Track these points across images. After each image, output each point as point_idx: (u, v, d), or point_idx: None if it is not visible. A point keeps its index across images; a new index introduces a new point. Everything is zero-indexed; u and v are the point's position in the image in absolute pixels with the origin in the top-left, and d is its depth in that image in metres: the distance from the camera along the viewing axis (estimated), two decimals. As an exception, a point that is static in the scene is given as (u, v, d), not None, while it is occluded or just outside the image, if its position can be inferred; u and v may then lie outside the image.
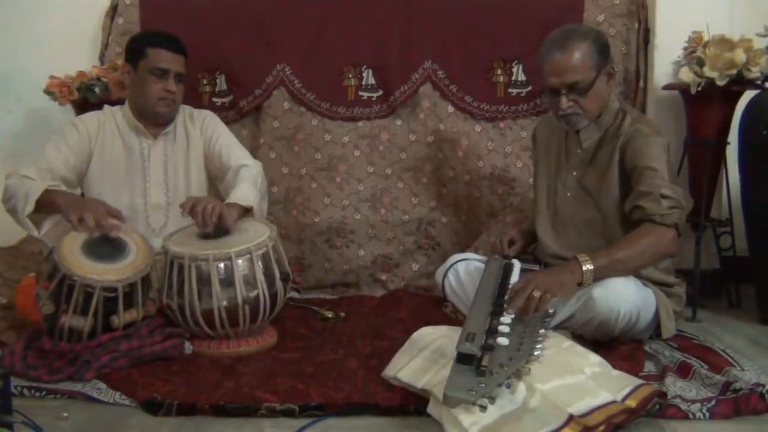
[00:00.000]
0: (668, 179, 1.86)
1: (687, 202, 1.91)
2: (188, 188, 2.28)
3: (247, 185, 2.14)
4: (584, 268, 1.76)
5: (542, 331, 1.63)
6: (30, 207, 1.95)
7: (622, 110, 1.99)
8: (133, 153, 2.26)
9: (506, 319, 1.63)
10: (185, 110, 2.36)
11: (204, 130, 2.33)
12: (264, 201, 2.23)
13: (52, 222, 2.03)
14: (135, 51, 2.21)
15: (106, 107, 2.33)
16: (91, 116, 2.28)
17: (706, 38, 2.38)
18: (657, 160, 1.87)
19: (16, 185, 2.02)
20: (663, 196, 1.82)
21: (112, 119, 2.28)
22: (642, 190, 1.85)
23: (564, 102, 1.92)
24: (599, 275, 1.78)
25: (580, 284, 1.77)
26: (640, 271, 1.92)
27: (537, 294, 1.66)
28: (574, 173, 2.05)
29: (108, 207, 2.00)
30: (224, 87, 2.76)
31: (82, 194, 2.26)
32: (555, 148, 2.12)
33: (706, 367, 1.77)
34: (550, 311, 1.73)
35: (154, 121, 2.26)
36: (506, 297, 1.73)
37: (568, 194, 2.06)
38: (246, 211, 2.09)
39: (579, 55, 1.89)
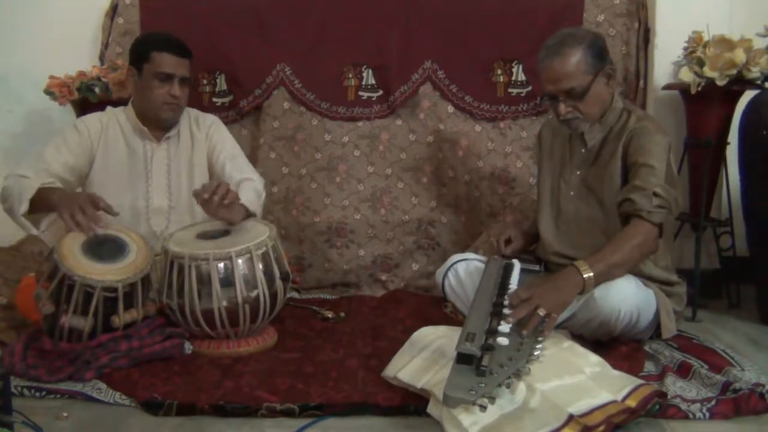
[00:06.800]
0: (665, 179, 1.86)
1: (677, 206, 1.90)
2: (191, 192, 2.27)
3: (252, 195, 2.14)
4: (585, 276, 1.73)
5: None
6: (24, 206, 1.93)
7: (626, 109, 2.00)
8: (136, 155, 2.24)
9: (504, 327, 1.61)
10: (190, 113, 2.33)
11: (209, 137, 2.32)
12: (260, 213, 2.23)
13: (50, 219, 2.01)
14: (139, 55, 2.18)
15: (109, 108, 2.31)
16: (93, 117, 2.26)
17: (706, 38, 2.38)
18: (657, 158, 1.87)
19: (12, 186, 2.00)
20: (655, 194, 1.82)
21: (116, 121, 2.26)
22: (636, 184, 1.85)
23: (562, 108, 1.93)
24: (599, 281, 1.76)
25: (581, 293, 1.76)
26: (641, 269, 1.93)
27: (542, 313, 1.64)
28: (578, 172, 2.05)
29: (97, 200, 1.91)
30: (224, 87, 2.76)
31: None
32: (559, 147, 2.13)
33: (706, 367, 1.77)
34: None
35: (158, 125, 2.24)
36: (506, 302, 1.71)
37: (572, 193, 2.06)
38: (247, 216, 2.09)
39: (573, 61, 1.89)
